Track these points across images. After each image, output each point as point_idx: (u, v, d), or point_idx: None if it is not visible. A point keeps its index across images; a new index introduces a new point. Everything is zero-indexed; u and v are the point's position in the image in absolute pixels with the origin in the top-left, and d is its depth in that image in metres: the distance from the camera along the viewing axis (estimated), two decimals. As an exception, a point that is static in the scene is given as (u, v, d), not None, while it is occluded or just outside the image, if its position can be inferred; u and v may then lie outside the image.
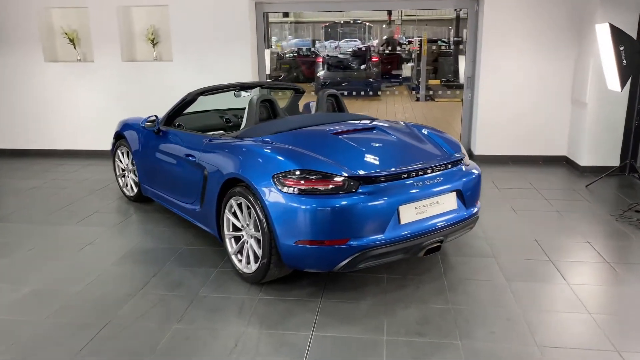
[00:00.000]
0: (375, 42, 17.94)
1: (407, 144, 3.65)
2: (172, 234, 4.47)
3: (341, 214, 3.03)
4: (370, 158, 3.36)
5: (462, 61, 13.87)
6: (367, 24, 16.19)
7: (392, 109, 13.38)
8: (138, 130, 5.01)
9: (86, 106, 7.56)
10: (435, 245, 3.35)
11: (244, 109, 5.55)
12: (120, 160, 5.45)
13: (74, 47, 7.58)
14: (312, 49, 16.12)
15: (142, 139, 4.88)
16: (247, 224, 3.49)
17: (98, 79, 7.44)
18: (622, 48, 5.13)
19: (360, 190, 3.09)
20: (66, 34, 7.51)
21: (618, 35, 5.11)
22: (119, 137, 5.41)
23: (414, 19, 18.96)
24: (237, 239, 3.68)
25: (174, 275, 3.68)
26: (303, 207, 3.06)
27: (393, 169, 3.20)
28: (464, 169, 3.60)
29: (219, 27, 7.02)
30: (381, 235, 3.11)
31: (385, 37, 18.12)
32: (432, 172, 3.35)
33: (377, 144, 3.60)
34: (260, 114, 4.05)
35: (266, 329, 2.99)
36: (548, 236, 4.32)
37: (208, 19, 7.01)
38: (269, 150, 3.39)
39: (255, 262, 3.45)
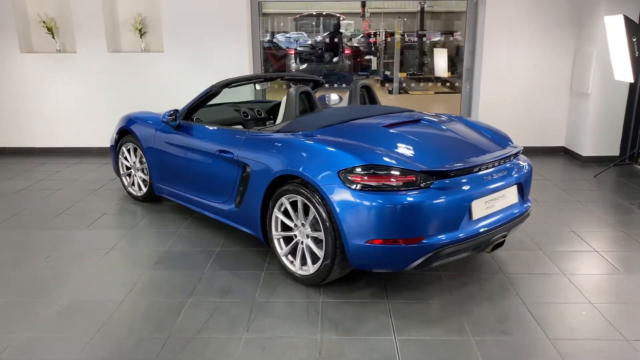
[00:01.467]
0: (347, 35, 17.83)
1: (464, 137, 3.55)
2: (200, 236, 4.20)
3: (416, 211, 2.89)
4: (435, 151, 3.23)
5: (438, 54, 13.96)
6: (339, 16, 16.02)
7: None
8: (151, 125, 4.68)
9: (68, 100, 7.06)
10: (501, 240, 3.26)
11: (250, 102, 5.31)
12: (126, 158, 5.09)
13: (53, 37, 7.06)
14: (274, 40, 15.78)
15: (156, 135, 4.55)
16: (303, 223, 3.29)
17: (81, 71, 6.95)
18: (635, 39, 5.21)
19: (434, 186, 2.95)
20: (44, 22, 6.97)
21: (632, 27, 5.18)
22: (123, 133, 5.05)
23: (380, 11, 18.96)
24: (288, 239, 3.47)
25: (220, 280, 3.43)
26: (375, 204, 2.89)
27: (465, 163, 3.08)
28: (520, 162, 3.53)
29: (214, 16, 6.70)
30: (455, 232, 2.99)
31: (355, 29, 18.05)
32: (499, 165, 3.26)
33: (435, 137, 3.47)
34: (299, 107, 3.84)
35: (344, 334, 2.81)
36: (582, 226, 4.33)
37: (202, 8, 6.67)
38: (332, 145, 3.19)
39: (313, 263, 3.26)
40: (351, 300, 3.16)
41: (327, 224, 3.06)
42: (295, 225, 3.35)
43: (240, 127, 4.82)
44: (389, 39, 19.85)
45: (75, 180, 5.84)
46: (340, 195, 2.98)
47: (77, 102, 7.04)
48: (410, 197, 2.88)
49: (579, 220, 4.49)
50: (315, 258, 3.27)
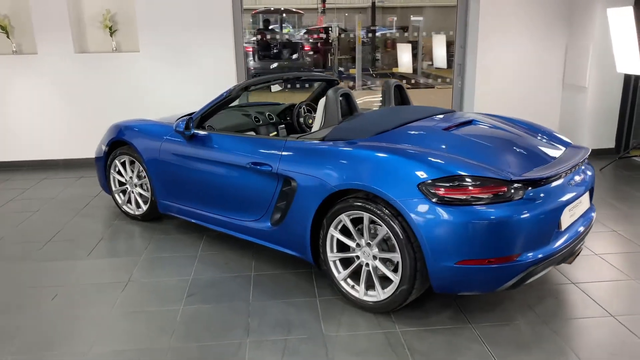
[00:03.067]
0: (307, 30, 17.43)
1: (530, 139, 3.30)
2: (226, 259, 3.72)
3: (513, 226, 2.59)
4: (514, 157, 2.95)
5: (404, 49, 13.82)
6: (299, 11, 15.60)
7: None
8: (154, 135, 4.13)
9: (29, 108, 6.28)
10: (581, 248, 3.03)
11: (252, 105, 4.85)
12: (120, 172, 4.50)
13: (8, 37, 6.25)
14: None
15: (162, 146, 4.02)
16: (369, 243, 2.91)
17: (43, 75, 6.20)
18: (644, 31, 5.17)
19: (527, 196, 2.66)
20: (-4, 20, 6.17)
21: (641, 18, 5.14)
22: (116, 144, 4.46)
23: (334, 7, 18.71)
24: (346, 261, 3.09)
25: (273, 312, 3.00)
26: (466, 220, 2.57)
27: (552, 169, 2.81)
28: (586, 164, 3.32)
29: (196, 12, 6.14)
30: (549, 246, 2.72)
31: (313, 25, 17.69)
32: (577, 169, 3.02)
33: (504, 141, 3.19)
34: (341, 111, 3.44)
35: (445, 370, 2.47)
36: (620, 225, 4.20)
37: (181, 2, 6.09)
38: (407, 154, 2.83)
39: (383, 288, 2.90)
40: (432, 328, 2.82)
41: (405, 243, 2.70)
42: (358, 245, 2.97)
43: (252, 133, 4.36)
44: (341, 35, 19.61)
45: (52, 199, 5.16)
46: (423, 211, 2.63)
47: (39, 109, 6.28)
48: (506, 211, 2.58)
49: (610, 217, 4.37)
50: (384, 282, 2.91)
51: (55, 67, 6.17)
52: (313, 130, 3.48)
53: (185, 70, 6.29)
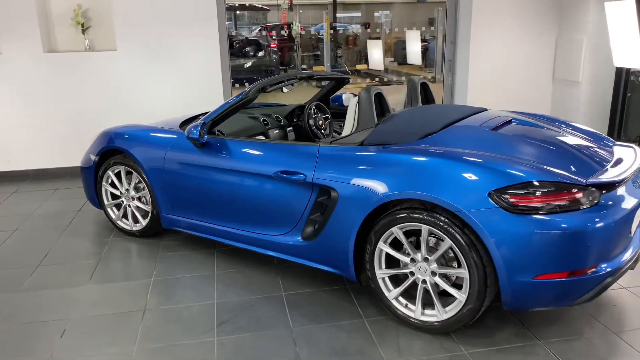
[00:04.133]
0: (262, 27, 17.01)
1: (581, 139, 3.12)
2: (248, 277, 3.38)
3: (593, 235, 2.38)
4: (576, 159, 2.76)
5: (374, 46, 13.63)
6: (265, 7, 15.16)
7: (303, 97, 12.62)
8: (157, 142, 3.73)
9: (-7, 114, 5.68)
10: None
11: (257, 107, 4.50)
12: (113, 184, 4.06)
13: (-35, 36, 5.62)
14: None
15: (168, 155, 3.62)
16: (427, 258, 2.65)
17: (8, 77, 5.61)
18: (645, 24, 5.14)
19: (602, 202, 2.46)
20: (-48, 17, 5.52)
21: (643, 11, 5.10)
22: (109, 153, 4.02)
23: (297, 3, 18.36)
24: (395, 277, 2.81)
25: (321, 339, 2.69)
26: (545, 230, 2.35)
27: (620, 172, 2.63)
28: None
29: (179, 6, 5.70)
30: (624, 253, 2.54)
31: (276, 22, 17.31)
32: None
33: (559, 142, 2.99)
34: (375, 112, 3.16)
35: (534, 398, 2.24)
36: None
37: (163, -3, 5.65)
38: (471, 160, 2.57)
39: (444, 306, 2.64)
40: (501, 347, 2.59)
41: (474, 258, 2.45)
42: (413, 260, 2.70)
43: (262, 137, 4.01)
44: (302, 32, 19.32)
45: (30, 215, 4.63)
46: (496, 222, 2.39)
47: (4, 115, 5.68)
48: (586, 218, 2.37)
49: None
50: (445, 299, 2.66)
51: (22, 68, 5.59)
52: (344, 134, 3.18)
53: (168, 69, 5.84)
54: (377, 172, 2.73)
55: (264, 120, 4.14)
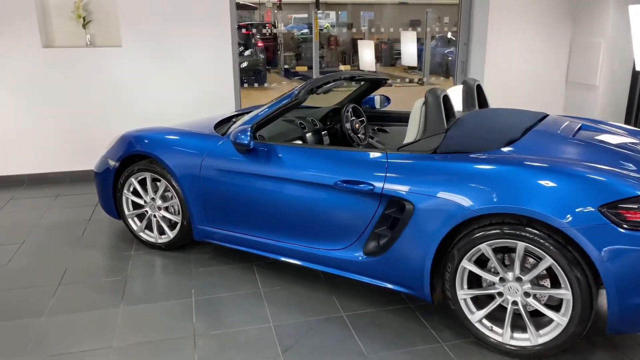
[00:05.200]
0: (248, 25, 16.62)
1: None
2: (297, 295, 3.09)
3: None
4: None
5: (366, 47, 13.43)
6: (253, 5, 14.78)
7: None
8: (192, 147, 3.40)
9: (-14, 114, 5.22)
10: None
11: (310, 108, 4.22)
12: (138, 193, 3.71)
13: (-47, 28, 5.14)
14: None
15: (205, 161, 3.31)
16: (519, 277, 2.42)
17: (2, 73, 5.15)
18: (673, 28, 5.06)
19: None
20: (-61, 7, 5.04)
21: (673, 15, 5.02)
22: (131, 158, 3.68)
23: (286, 1, 18.07)
24: (476, 298, 2.58)
25: (404, 368, 2.44)
26: (662, 247, 2.15)
27: None
28: None
29: (190, 2, 5.36)
30: None
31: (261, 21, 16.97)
32: None
33: (634, 148, 2.80)
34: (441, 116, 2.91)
35: None
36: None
37: (173, -9, 5.30)
38: (575, 171, 2.36)
39: (538, 328, 2.43)
40: (601, 374, 2.38)
41: (578, 277, 2.24)
42: (502, 279, 2.47)
43: (299, 142, 3.73)
44: (316, 30, 19.02)
45: (35, 226, 4.22)
46: (607, 240, 2.18)
47: (0, 114, 5.23)
48: None
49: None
50: (539, 321, 2.44)
51: (16, 65, 5.15)
52: (408, 139, 2.93)
53: (176, 67, 5.49)
54: (462, 183, 2.49)
55: (300, 123, 3.85)
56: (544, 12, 6.36)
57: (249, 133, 3.04)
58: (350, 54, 19.88)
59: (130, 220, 3.81)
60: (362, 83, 4.20)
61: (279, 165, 3.05)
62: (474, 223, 2.48)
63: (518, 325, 2.49)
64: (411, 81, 15.69)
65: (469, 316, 2.57)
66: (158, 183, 3.62)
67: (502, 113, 3.23)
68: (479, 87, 3.53)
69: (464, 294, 2.57)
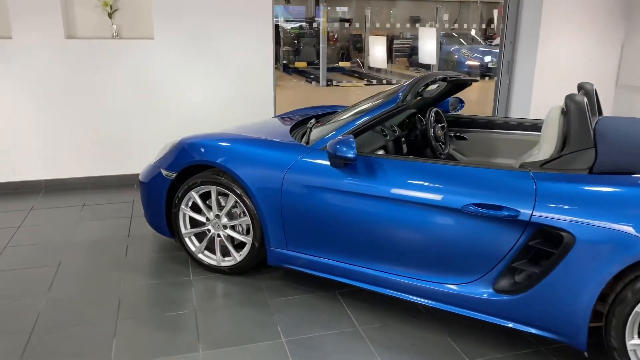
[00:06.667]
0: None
1: None
2: (404, 334, 2.64)
3: None
4: None
5: (377, 43, 12.97)
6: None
7: (303, 97, 11.87)
8: (272, 158, 2.92)
9: None
10: None
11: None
12: (198, 209, 3.21)
13: (-37, 15, 4.56)
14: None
15: (289, 176, 2.83)
16: None
17: (19, 66, 4.58)
18: None
19: None
20: (-52, -9, 4.45)
21: None
22: (192, 169, 3.18)
23: (283, -5, 17.50)
24: (651, 347, 2.17)
25: None
26: None
27: None
28: None
29: (230, -9, 4.86)
30: None
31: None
32: None
33: None
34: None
35: None
36: None
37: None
38: None
39: None
40: None
41: None
42: (686, 328, 2.06)
43: (382, 152, 3.27)
44: (324, 26, 18.61)
45: (68, 244, 3.68)
46: None
47: (13, 112, 4.65)
48: None
49: None
50: None
51: (37, 57, 4.58)
52: (545, 155, 2.48)
53: (213, 64, 4.98)
54: (636, 210, 2.07)
55: (381, 129, 3.39)
56: (596, 12, 6.00)
57: (353, 145, 2.57)
58: (349, 50, 19.46)
59: (187, 240, 3.30)
60: (445, 85, 3.74)
61: (386, 183, 2.59)
62: (651, 260, 2.06)
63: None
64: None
65: (641, 370, 2.15)
66: (220, 197, 3.13)
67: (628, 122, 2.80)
68: (596, 92, 3.11)
69: (634, 344, 2.14)
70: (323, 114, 3.82)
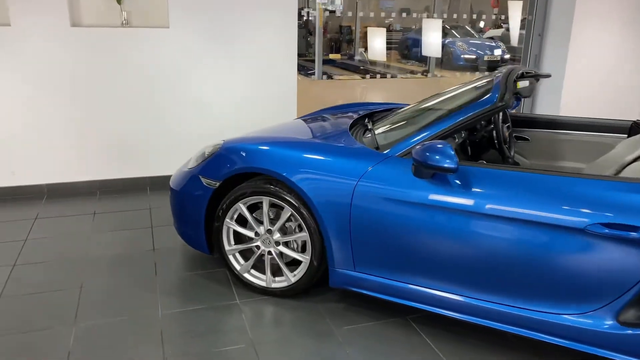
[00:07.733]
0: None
1: None
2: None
3: None
4: None
5: (376, 34, 12.58)
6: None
7: (300, 90, 11.40)
8: (339, 167, 2.52)
9: (-3, 108, 4.14)
10: None
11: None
12: (244, 223, 2.81)
13: (-47, -2, 4.03)
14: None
15: (362, 187, 2.44)
16: None
17: (19, 56, 4.07)
18: None
19: None
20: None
21: None
22: (239, 177, 2.77)
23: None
24: None
25: None
26: None
27: None
28: None
29: (254, -25, 4.42)
30: None
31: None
32: None
33: None
34: None
35: None
36: None
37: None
38: None
39: None
40: None
41: None
42: None
43: (483, 162, 2.90)
44: (320, 18, 18.11)
45: (87, 261, 3.23)
46: None
47: (12, 108, 4.14)
48: None
49: None
50: None
51: (39, 45, 4.08)
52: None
53: (234, 56, 4.55)
54: None
55: (451, 132, 3.01)
56: (631, 8, 5.72)
57: (452, 153, 2.19)
58: (338, 43, 19.07)
59: (231, 257, 2.89)
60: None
61: (487, 197, 2.23)
62: None
63: None
64: (412, 72, 14.99)
65: None
66: (272, 210, 2.74)
67: None
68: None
69: None
70: (368, 114, 3.43)
